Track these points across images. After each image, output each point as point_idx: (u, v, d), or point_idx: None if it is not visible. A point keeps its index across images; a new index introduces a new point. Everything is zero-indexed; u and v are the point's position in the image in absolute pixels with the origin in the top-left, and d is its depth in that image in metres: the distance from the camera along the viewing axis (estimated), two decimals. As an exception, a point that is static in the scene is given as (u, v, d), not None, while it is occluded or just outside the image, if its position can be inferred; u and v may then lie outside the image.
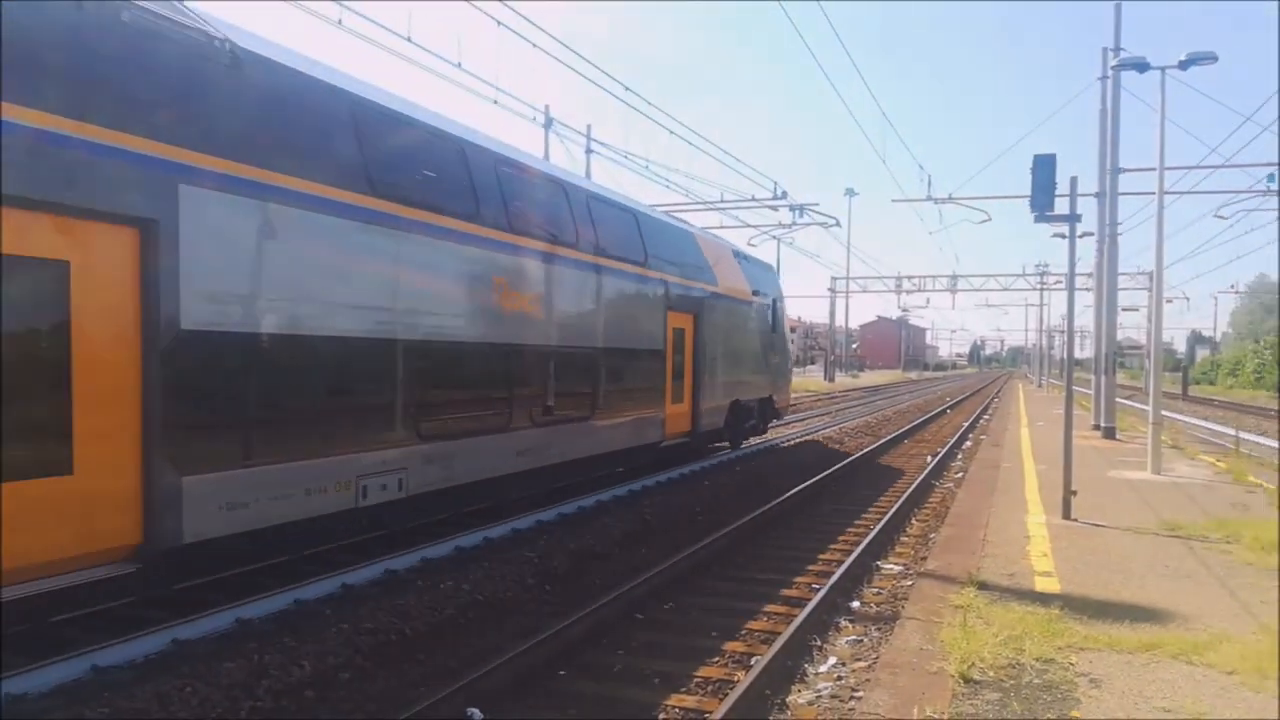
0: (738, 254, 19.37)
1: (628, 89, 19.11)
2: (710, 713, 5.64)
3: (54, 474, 5.71)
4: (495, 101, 17.80)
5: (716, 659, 6.91)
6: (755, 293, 19.42)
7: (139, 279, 6.20)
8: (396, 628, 7.10)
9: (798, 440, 22.81)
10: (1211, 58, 14.60)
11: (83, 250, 5.86)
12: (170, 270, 6.31)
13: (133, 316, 6.17)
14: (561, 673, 6.56)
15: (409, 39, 13.79)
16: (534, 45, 15.84)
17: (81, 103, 5.82)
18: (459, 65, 15.38)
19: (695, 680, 6.43)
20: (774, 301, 20.80)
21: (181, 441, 6.43)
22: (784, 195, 28.63)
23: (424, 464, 9.00)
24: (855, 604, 8.35)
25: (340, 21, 13.11)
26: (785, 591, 8.80)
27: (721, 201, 28.61)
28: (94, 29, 6.03)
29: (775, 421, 22.51)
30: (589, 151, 27.06)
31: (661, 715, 5.85)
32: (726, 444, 18.81)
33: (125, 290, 6.14)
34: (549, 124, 24.95)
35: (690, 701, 6.04)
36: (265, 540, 7.38)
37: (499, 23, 14.74)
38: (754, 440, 20.70)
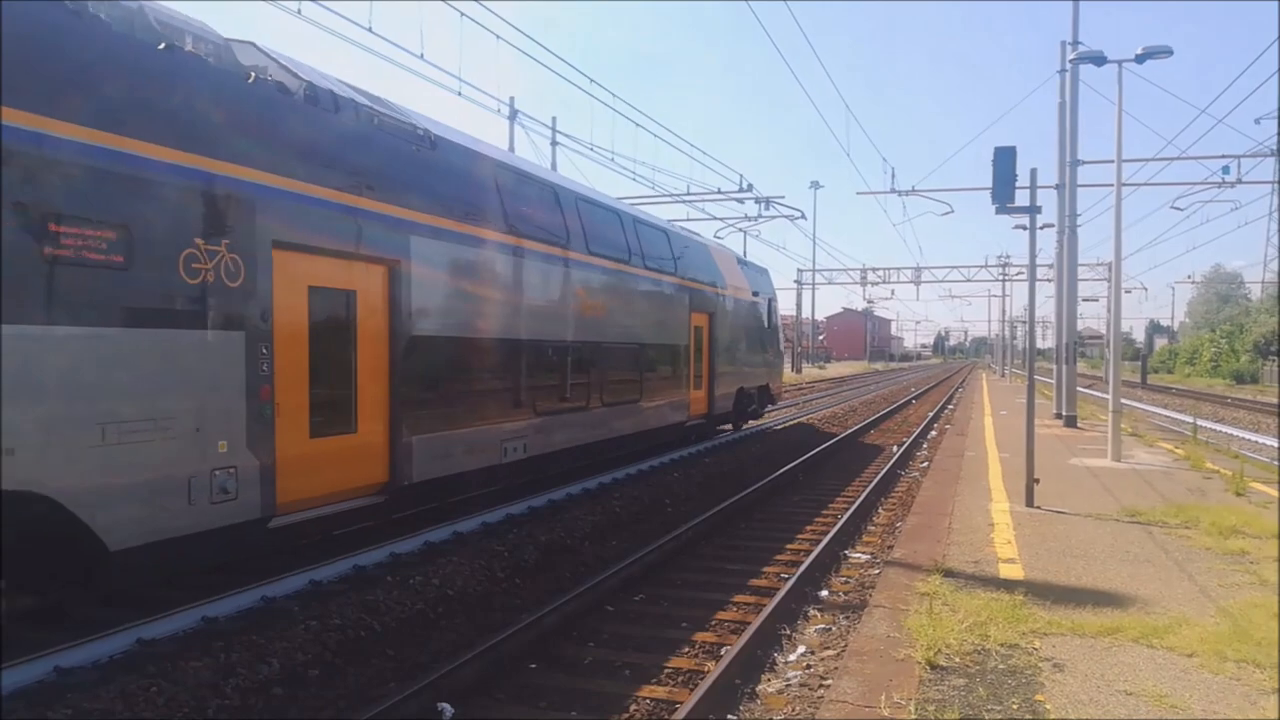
0: (740, 260, 22.34)
1: (593, 81, 19.04)
2: (681, 703, 5.67)
3: (346, 433, 8.68)
4: (459, 93, 17.68)
5: (687, 650, 6.95)
6: (755, 294, 22.24)
7: (387, 301, 9.10)
8: (366, 624, 7.06)
9: (765, 432, 22.93)
10: (1167, 51, 14.81)
11: (361, 282, 8.77)
12: (405, 294, 9.22)
13: (385, 327, 9.09)
14: (532, 666, 6.56)
15: (370, 29, 13.64)
16: (498, 37, 15.75)
17: (364, 183, 8.73)
18: (421, 56, 15.26)
19: (666, 671, 6.45)
20: (769, 301, 23.49)
21: (411, 412, 9.37)
22: (750, 188, 28.70)
23: (537, 433, 11.95)
24: (824, 593, 8.43)
25: (300, 11, 12.94)
26: (755, 581, 8.86)
27: (688, 194, 28.63)
28: (364, 137, 9.03)
29: (771, 406, 24.70)
30: (554, 144, 26.96)
31: (633, 707, 5.87)
32: (729, 426, 21.24)
33: (380, 309, 9.04)
34: (514, 116, 24.83)
35: (661, 693, 6.06)
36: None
37: (462, 14, 14.63)
38: (743, 425, 22.55)
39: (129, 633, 6.31)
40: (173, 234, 6.63)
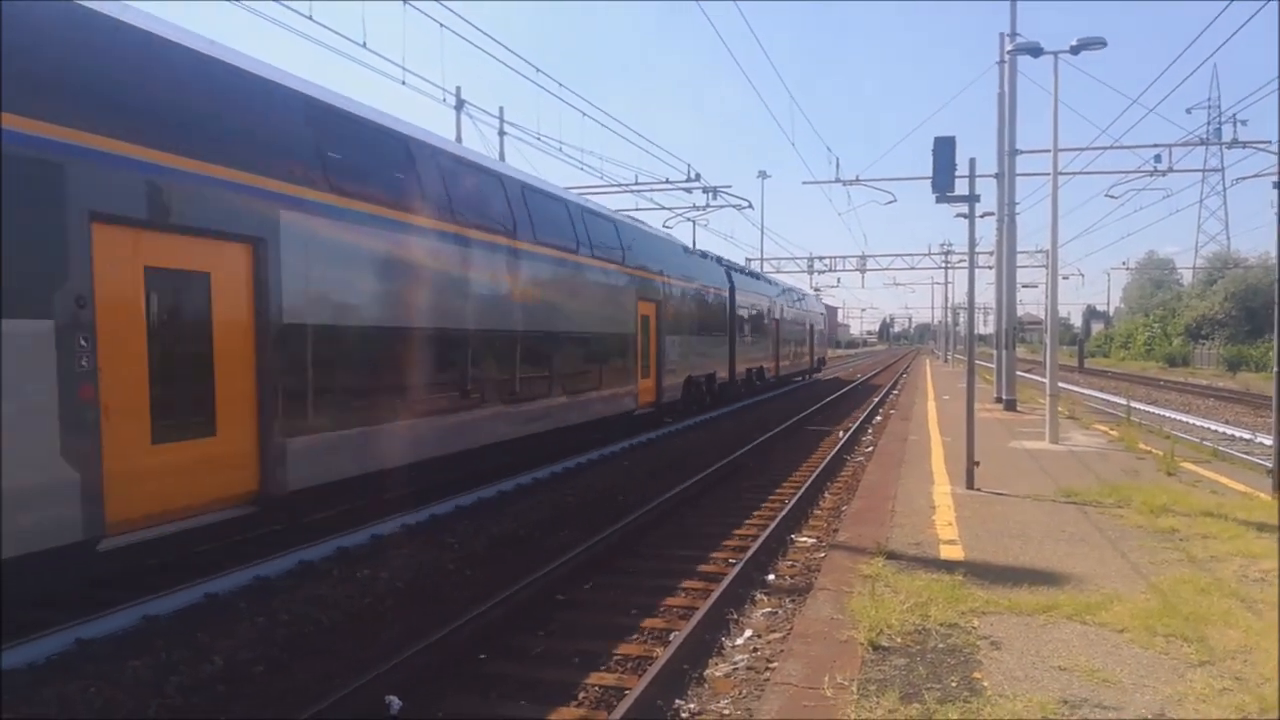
0: (816, 296, 48.28)
1: (539, 70, 18.85)
2: (630, 689, 5.71)
3: (769, 367, 35.13)
4: (403, 83, 17.40)
5: (636, 636, 7.00)
6: (822, 313, 44.61)
7: (778, 321, 37.92)
8: (313, 618, 7.00)
9: (716, 417, 23.10)
10: (1100, 43, 15.17)
11: (773, 317, 35.86)
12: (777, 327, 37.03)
13: (778, 331, 37.62)
14: (482, 656, 6.55)
15: (310, 17, 13.39)
16: (442, 25, 15.54)
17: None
18: (364, 45, 15.04)
19: (615, 658, 6.50)
20: (822, 315, 46.30)
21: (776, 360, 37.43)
22: (698, 178, 28.75)
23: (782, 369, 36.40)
24: (770, 577, 8.53)
25: (238, -2, 12.66)
26: (703, 567, 8.94)
27: (636, 184, 28.61)
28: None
29: (824, 366, 51.54)
30: (501, 133, 26.76)
31: (581, 694, 5.90)
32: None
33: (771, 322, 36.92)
34: (460, 105, 24.58)
35: (610, 679, 6.10)
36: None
37: (405, 1, 14.44)
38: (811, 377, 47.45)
39: (67, 633, 6.19)
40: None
